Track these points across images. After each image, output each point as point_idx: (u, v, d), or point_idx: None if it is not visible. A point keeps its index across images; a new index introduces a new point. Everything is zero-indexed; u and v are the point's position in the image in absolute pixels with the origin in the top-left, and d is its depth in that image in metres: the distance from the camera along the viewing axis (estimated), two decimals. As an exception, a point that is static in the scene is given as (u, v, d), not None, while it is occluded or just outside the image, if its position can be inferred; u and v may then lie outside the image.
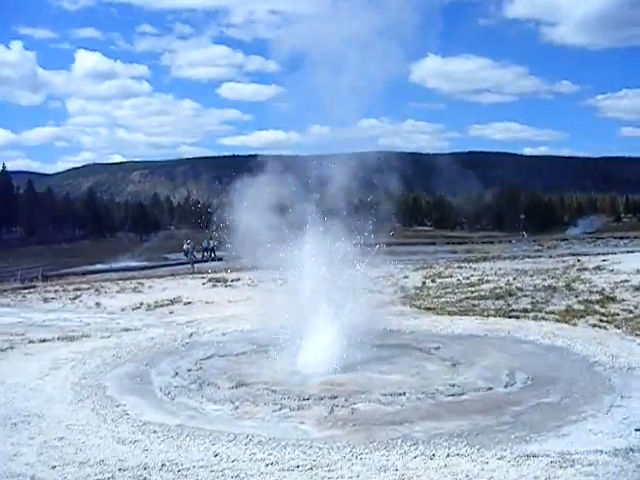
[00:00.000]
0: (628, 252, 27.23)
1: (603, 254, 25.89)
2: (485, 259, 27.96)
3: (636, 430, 6.40)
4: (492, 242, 50.14)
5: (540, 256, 28.98)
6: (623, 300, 13.68)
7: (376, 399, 7.73)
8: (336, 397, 7.82)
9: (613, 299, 13.84)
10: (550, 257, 26.71)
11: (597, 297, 14.21)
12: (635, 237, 40.94)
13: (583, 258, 23.78)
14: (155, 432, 6.68)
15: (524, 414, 7.10)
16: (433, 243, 50.67)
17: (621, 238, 40.92)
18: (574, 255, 26.71)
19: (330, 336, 9.52)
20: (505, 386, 8.21)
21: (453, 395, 7.87)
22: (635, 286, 15.23)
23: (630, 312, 12.41)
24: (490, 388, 8.13)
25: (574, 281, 16.85)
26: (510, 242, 47.30)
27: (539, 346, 10.28)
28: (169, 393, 8.24)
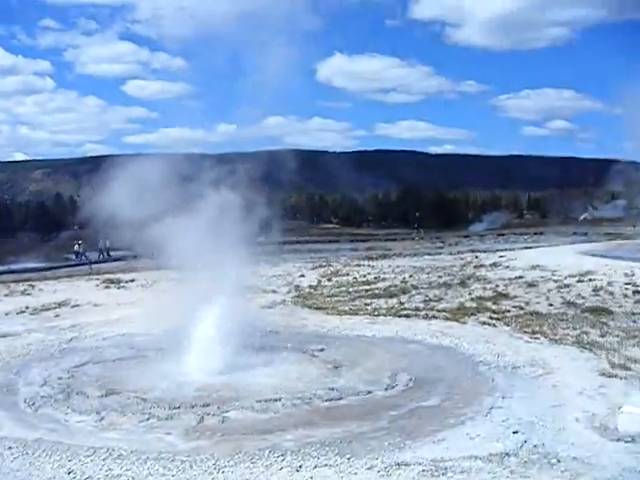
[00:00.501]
0: (526, 248, 27.86)
1: (501, 250, 26.44)
2: (385, 257, 28.05)
3: (514, 433, 6.31)
4: (395, 239, 50.49)
5: (440, 253, 29.29)
6: (515, 297, 13.82)
7: (250, 406, 7.45)
8: (209, 405, 7.52)
9: (506, 296, 13.98)
10: (450, 254, 26.96)
11: (490, 294, 14.34)
12: (535, 233, 42.10)
13: (481, 255, 24.14)
14: (10, 448, 6.23)
15: (401, 419, 6.94)
16: (337, 241, 50.65)
17: (521, 234, 41.98)
18: (474, 252, 27.11)
19: (212, 339, 9.17)
20: (386, 389, 8.05)
21: (331, 400, 7.67)
22: (528, 282, 15.46)
23: (521, 309, 12.51)
24: (370, 392, 7.95)
25: (469, 278, 17.00)
26: (412, 239, 47.82)
27: (426, 346, 10.19)
28: (33, 404, 7.76)
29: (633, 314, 11.48)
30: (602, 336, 9.94)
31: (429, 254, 28.68)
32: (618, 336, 9.87)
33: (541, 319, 11.40)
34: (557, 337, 9.97)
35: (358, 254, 32.05)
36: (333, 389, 8.04)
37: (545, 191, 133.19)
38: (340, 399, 7.70)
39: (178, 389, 8.23)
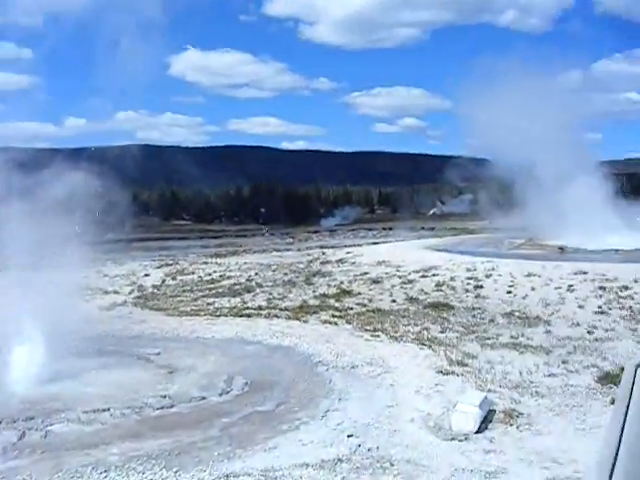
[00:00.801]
0: (374, 243, 28.34)
1: (350, 246, 26.71)
2: (235, 253, 27.78)
3: (349, 436, 6.21)
4: (246, 236, 50.33)
5: (289, 249, 29.32)
6: (359, 293, 13.89)
7: (76, 418, 7.01)
8: (32, 418, 7.01)
9: (349, 293, 14.02)
10: (299, 250, 27.01)
11: (334, 291, 14.35)
12: (384, 228, 43.02)
13: (329, 251, 24.26)
14: None
15: (234, 426, 6.72)
16: (188, 238, 49.87)
17: (370, 229, 42.80)
18: (322, 248, 27.27)
19: (39, 346, 8.58)
20: (220, 394, 7.80)
21: (162, 408, 7.35)
22: (373, 279, 15.60)
23: (364, 306, 12.58)
24: (204, 398, 7.68)
25: (314, 275, 16.99)
26: (263, 235, 47.78)
27: (266, 347, 10.02)
28: None
29: (473, 309, 11.77)
30: (442, 332, 10.12)
31: (278, 250, 28.65)
32: (457, 332, 10.08)
33: (383, 316, 11.49)
34: (398, 334, 10.05)
35: (207, 251, 31.64)
36: (165, 396, 7.72)
37: (396, 187, 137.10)
38: (172, 407, 7.41)
39: (-1, 402, 7.62)
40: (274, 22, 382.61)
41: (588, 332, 9.73)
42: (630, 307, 11.21)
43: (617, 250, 20.28)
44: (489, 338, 9.58)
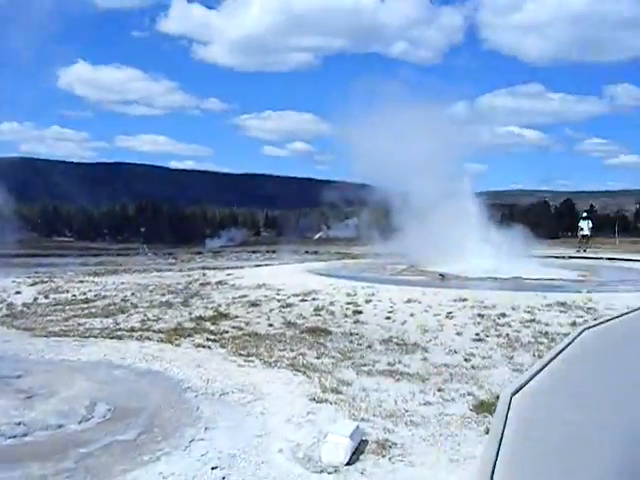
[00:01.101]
0: (257, 266, 27.97)
1: (232, 268, 26.26)
2: (114, 272, 26.81)
3: (212, 469, 5.81)
4: (128, 254, 49.05)
5: (170, 270, 28.56)
6: (236, 317, 13.49)
7: None
8: None
9: (226, 315, 13.60)
10: (180, 271, 26.30)
11: (211, 313, 13.90)
12: (267, 251, 42.70)
13: (210, 272, 23.74)
14: None
15: (91, 457, 6.17)
16: (68, 255, 48.12)
17: (254, 252, 42.37)
18: (204, 269, 26.69)
19: None
20: (80, 422, 7.20)
21: (15, 437, 6.70)
22: (252, 301, 15.24)
23: (240, 329, 12.18)
24: (61, 425, 7.06)
25: (193, 296, 16.49)
26: (145, 254, 46.67)
27: (133, 371, 9.44)
28: None
29: (351, 334, 11.56)
30: (318, 358, 9.83)
31: (159, 270, 27.86)
32: (334, 358, 9.81)
33: (259, 340, 11.11)
34: (272, 359, 9.68)
35: (86, 269, 30.46)
36: (20, 423, 7.03)
37: (283, 210, 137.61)
38: (26, 435, 6.76)
39: None
40: (168, 40, 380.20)
41: (465, 359, 9.66)
42: (507, 334, 11.28)
43: (496, 278, 20.74)
44: (365, 365, 9.36)
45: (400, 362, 9.49)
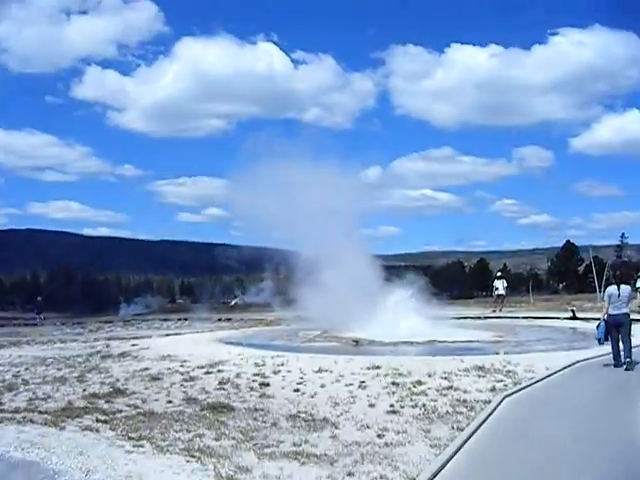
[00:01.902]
0: (166, 335, 26.61)
1: (139, 338, 24.92)
2: (16, 344, 25.00)
3: None
4: (36, 325, 46.67)
5: (76, 340, 26.87)
6: (133, 393, 12.35)
7: None
8: None
9: (123, 392, 12.45)
10: (85, 342, 24.67)
11: (107, 390, 12.73)
12: (179, 319, 41.21)
13: (114, 343, 22.39)
14: None
15: None
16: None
17: (165, 320, 40.81)
18: (110, 339, 25.22)
19: None
20: None
21: None
22: (153, 375, 14.14)
23: (136, 407, 11.05)
24: None
25: (90, 371, 15.23)
26: (54, 325, 44.46)
27: (5, 462, 8.16)
28: None
29: (256, 410, 10.59)
30: (217, 439, 8.81)
31: (63, 341, 26.14)
32: (234, 439, 8.81)
33: (154, 420, 10.00)
34: (166, 443, 8.61)
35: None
36: None
37: (198, 277, 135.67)
38: None
39: None
40: (82, 106, 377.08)
41: (378, 435, 8.80)
42: (423, 404, 10.51)
43: (412, 342, 20.16)
44: (269, 446, 8.40)
45: (307, 442, 8.56)
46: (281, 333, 25.55)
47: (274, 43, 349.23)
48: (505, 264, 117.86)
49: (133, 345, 20.51)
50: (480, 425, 8.43)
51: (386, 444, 8.33)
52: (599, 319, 26.09)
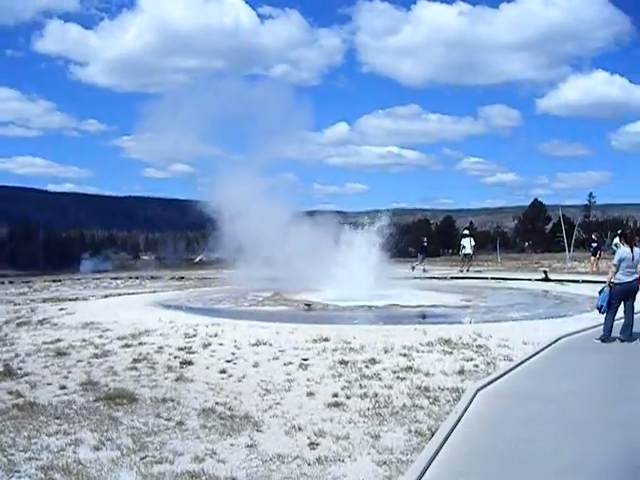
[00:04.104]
0: (105, 296, 24.13)
1: (74, 300, 22.53)
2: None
3: None
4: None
5: (10, 302, 24.30)
6: (26, 374, 9.96)
7: None
8: None
9: (14, 373, 10.06)
10: (13, 305, 22.07)
11: (1, 368, 10.36)
12: (130, 277, 38.71)
13: (44, 306, 19.98)
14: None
15: None
16: None
17: (116, 278, 38.22)
18: (46, 301, 22.75)
19: None
20: None
21: None
22: (61, 349, 11.87)
23: (18, 396, 8.67)
24: None
25: (-3, 342, 12.87)
26: (11, 283, 41.79)
27: None
28: None
29: (164, 400, 8.25)
30: (97, 448, 6.51)
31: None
32: (120, 448, 6.47)
33: (30, 417, 7.59)
34: (24, 456, 6.25)
35: None
36: None
37: (164, 232, 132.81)
38: None
39: None
40: (44, 59, 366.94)
41: (310, 444, 6.54)
42: (375, 394, 8.26)
43: (370, 306, 17.99)
44: (161, 461, 6.12)
45: (214, 454, 6.30)
46: (229, 294, 23.25)
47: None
48: (471, 222, 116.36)
49: (61, 309, 18.13)
50: (447, 436, 6.09)
51: (318, 460, 6.07)
52: (575, 281, 24.59)
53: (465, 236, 34.87)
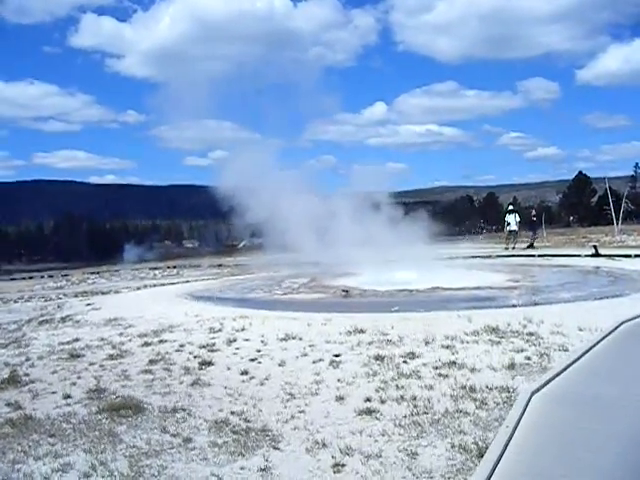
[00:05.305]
0: (138, 288, 23.43)
1: (106, 293, 21.86)
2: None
3: None
4: (25, 278, 44.02)
5: (43, 297, 23.73)
6: (31, 382, 9.13)
7: None
8: None
9: (17, 381, 9.23)
10: (44, 300, 21.48)
11: (3, 375, 9.56)
12: (168, 267, 38.15)
13: (73, 301, 19.29)
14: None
15: None
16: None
17: (155, 269, 37.65)
18: (77, 295, 22.09)
19: None
20: None
21: None
22: (75, 350, 11.01)
23: (16, 408, 7.83)
24: None
25: (8, 345, 12.10)
26: (42, 277, 41.80)
27: None
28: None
29: (174, 411, 7.31)
30: (87, 476, 5.60)
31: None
32: (113, 474, 5.58)
33: (21, 436, 6.74)
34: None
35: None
36: None
37: (207, 220, 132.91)
38: None
39: None
40: (80, 54, 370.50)
41: (334, 467, 5.48)
42: (414, 398, 7.17)
43: (411, 290, 16.85)
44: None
45: (220, 481, 5.32)
46: (264, 282, 22.30)
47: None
48: (515, 197, 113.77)
49: (87, 305, 17.39)
50: (499, 459, 4.98)
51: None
52: (627, 255, 23.09)
53: (510, 212, 33.34)
